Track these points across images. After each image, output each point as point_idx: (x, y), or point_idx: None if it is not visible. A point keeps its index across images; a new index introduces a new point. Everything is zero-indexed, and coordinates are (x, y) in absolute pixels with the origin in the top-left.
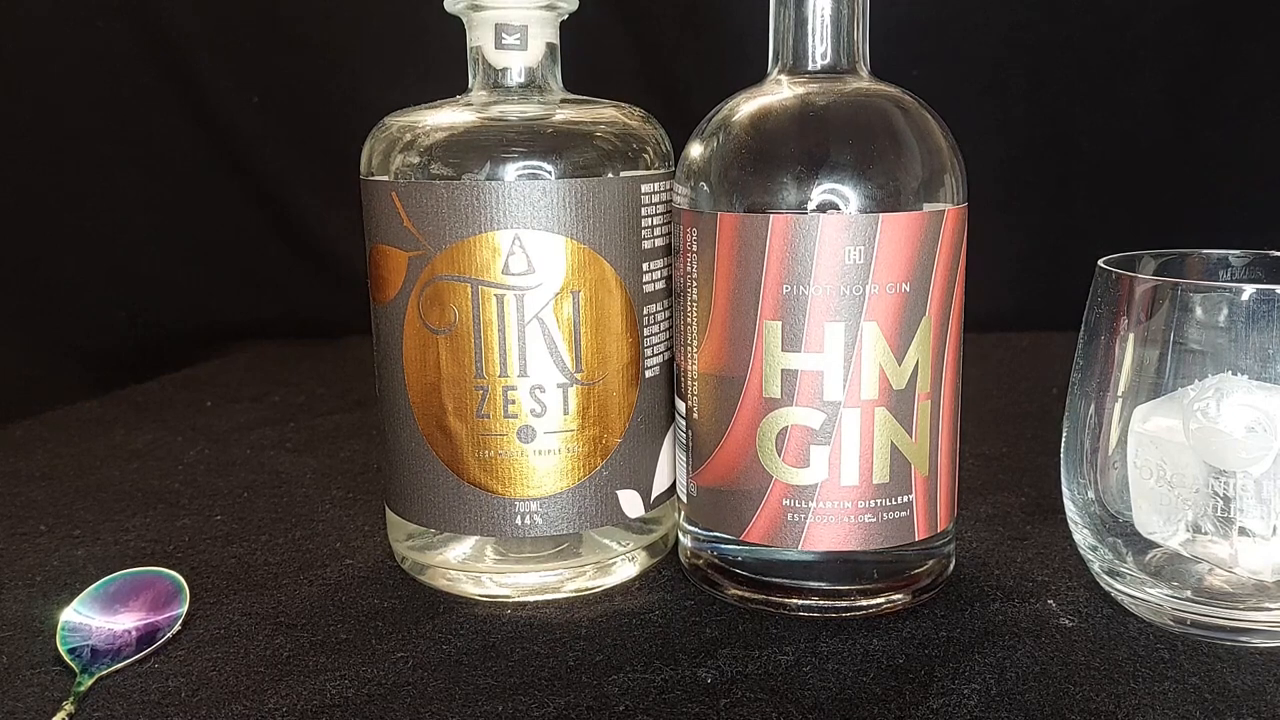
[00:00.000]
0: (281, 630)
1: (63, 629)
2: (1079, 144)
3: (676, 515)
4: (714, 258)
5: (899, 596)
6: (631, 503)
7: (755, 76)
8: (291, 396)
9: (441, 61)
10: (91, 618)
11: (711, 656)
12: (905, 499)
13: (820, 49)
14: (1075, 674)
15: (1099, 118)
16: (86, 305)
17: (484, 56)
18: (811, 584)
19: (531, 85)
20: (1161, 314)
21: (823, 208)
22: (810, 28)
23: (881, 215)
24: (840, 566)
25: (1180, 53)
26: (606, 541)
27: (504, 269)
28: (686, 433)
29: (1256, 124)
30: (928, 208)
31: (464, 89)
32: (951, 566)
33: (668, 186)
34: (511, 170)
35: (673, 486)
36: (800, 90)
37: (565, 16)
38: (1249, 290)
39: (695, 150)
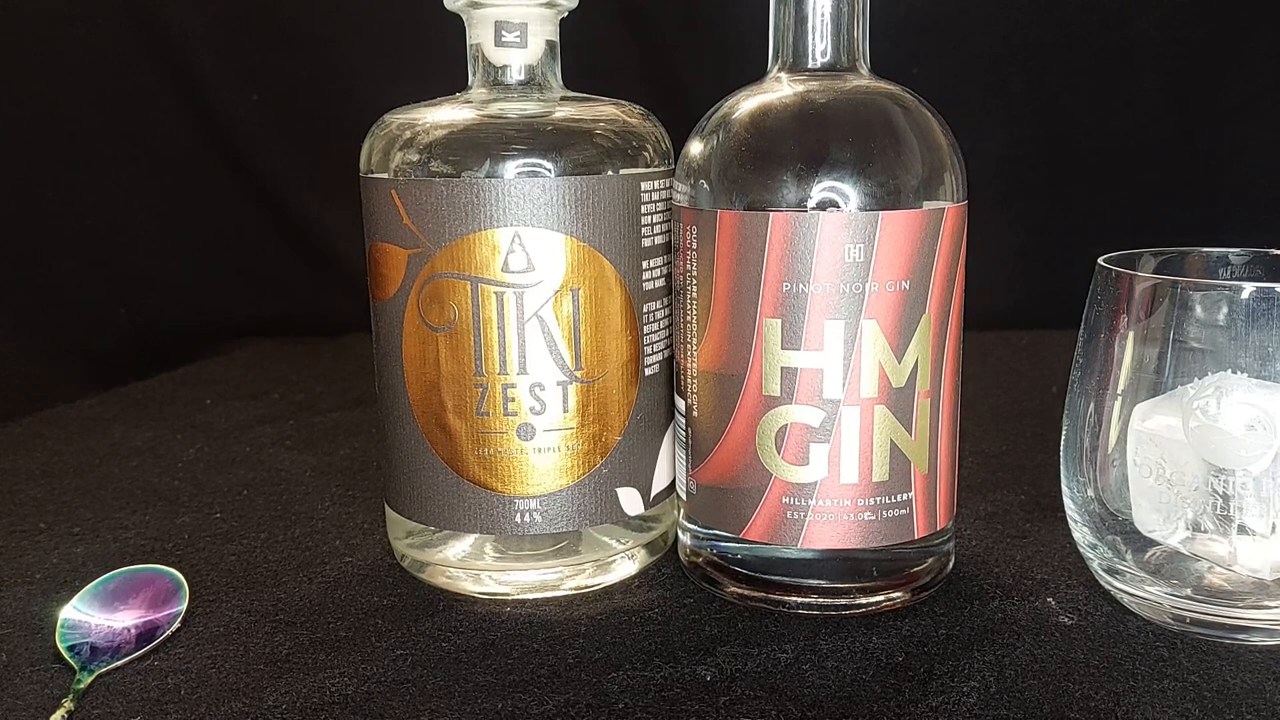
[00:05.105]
0: (281, 628)
1: (62, 626)
2: (1079, 143)
3: (676, 513)
4: (714, 255)
5: (898, 594)
6: (631, 500)
7: (755, 74)
8: (291, 394)
9: (441, 59)
10: (91, 615)
11: (711, 654)
12: (905, 497)
13: (820, 46)
14: (1074, 672)
15: (1099, 117)
16: (86, 304)
17: (484, 54)
18: (811, 582)
19: (531, 83)
20: (1161, 312)
21: (823, 205)
22: (810, 25)
23: (881, 213)
24: (840, 564)
25: (1180, 52)
26: (606, 539)
27: (504, 267)
28: (686, 430)
29: (1256, 123)
30: (928, 205)
31: (464, 87)
32: (951, 564)
33: (667, 184)
34: (511, 168)
35: (672, 484)
36: (800, 88)
37: (565, 14)
38: (1249, 288)
39: (695, 148)
